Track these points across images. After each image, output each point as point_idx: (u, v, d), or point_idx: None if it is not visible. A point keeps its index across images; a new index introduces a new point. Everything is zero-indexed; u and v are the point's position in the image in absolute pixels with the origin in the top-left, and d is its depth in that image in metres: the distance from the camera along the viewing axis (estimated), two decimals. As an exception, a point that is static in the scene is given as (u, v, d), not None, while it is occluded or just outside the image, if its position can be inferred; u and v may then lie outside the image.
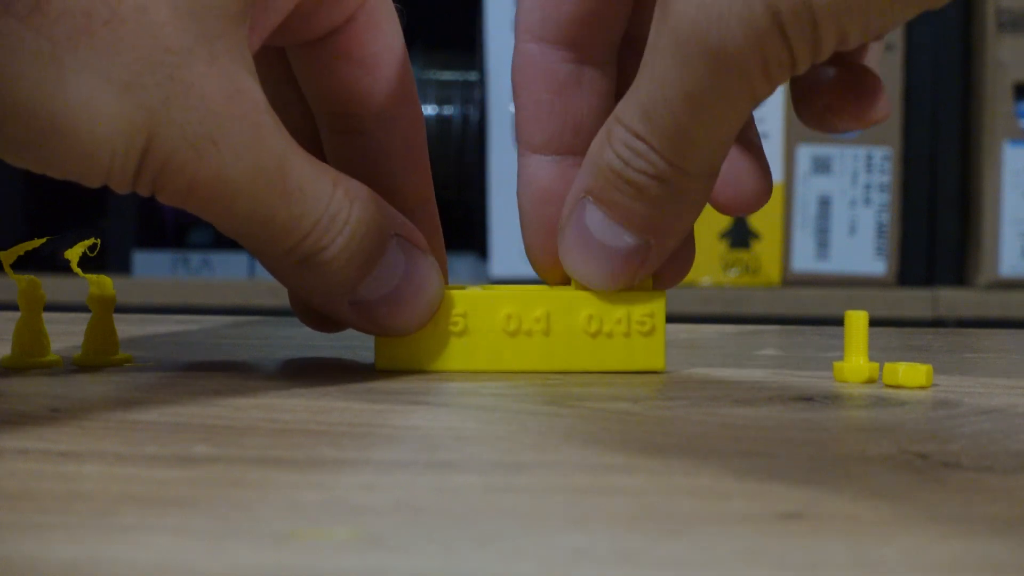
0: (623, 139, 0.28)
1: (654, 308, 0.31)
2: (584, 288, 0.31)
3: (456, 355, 0.31)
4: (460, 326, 0.31)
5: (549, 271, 0.32)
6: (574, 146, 0.31)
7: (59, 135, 0.25)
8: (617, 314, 0.31)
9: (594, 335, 0.31)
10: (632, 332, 0.31)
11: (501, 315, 0.31)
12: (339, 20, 0.32)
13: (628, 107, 0.28)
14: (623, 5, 0.31)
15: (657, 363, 0.31)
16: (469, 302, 0.31)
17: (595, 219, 0.29)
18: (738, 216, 0.33)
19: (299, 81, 0.33)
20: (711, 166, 0.28)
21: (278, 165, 0.27)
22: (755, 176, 0.31)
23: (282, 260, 0.29)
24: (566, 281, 0.32)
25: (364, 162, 0.33)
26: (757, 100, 0.27)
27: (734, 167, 0.31)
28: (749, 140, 0.31)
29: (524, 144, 0.32)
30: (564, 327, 0.31)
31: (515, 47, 0.31)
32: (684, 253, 0.32)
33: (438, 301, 0.31)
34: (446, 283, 0.32)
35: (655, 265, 0.30)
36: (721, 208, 0.31)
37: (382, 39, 0.32)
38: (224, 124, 0.26)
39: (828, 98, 0.30)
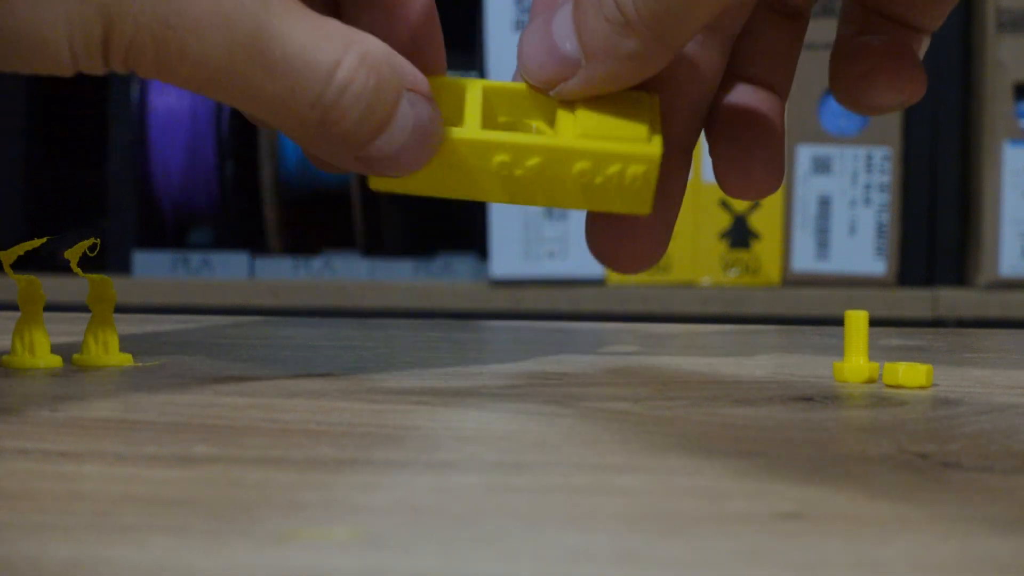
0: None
1: (649, 166, 0.31)
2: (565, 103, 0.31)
3: (448, 185, 0.31)
4: (454, 164, 0.31)
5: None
6: None
7: (15, 40, 0.25)
8: (611, 169, 0.31)
9: (585, 186, 0.31)
10: (625, 185, 0.31)
11: (495, 161, 0.31)
12: None
13: None
14: None
15: (644, 207, 0.31)
16: (464, 147, 0.31)
17: (562, 15, 0.30)
18: (742, 199, 0.32)
19: None
20: (672, 40, 0.28)
21: (251, 37, 0.27)
22: (765, 165, 0.31)
23: (297, 128, 0.29)
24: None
25: (381, 36, 0.33)
26: None
27: (746, 153, 0.31)
28: (771, 129, 0.32)
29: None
30: (556, 176, 0.31)
31: None
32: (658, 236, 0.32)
33: (438, 146, 0.31)
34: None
35: (575, 89, 0.30)
36: (725, 188, 0.32)
37: None
38: (179, 5, 0.26)
39: (870, 63, 0.31)
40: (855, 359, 0.31)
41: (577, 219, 1.04)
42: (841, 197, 1.11)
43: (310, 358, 0.36)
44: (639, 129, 0.31)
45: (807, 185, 1.11)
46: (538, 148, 0.31)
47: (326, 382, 0.30)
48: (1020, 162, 1.09)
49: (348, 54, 0.28)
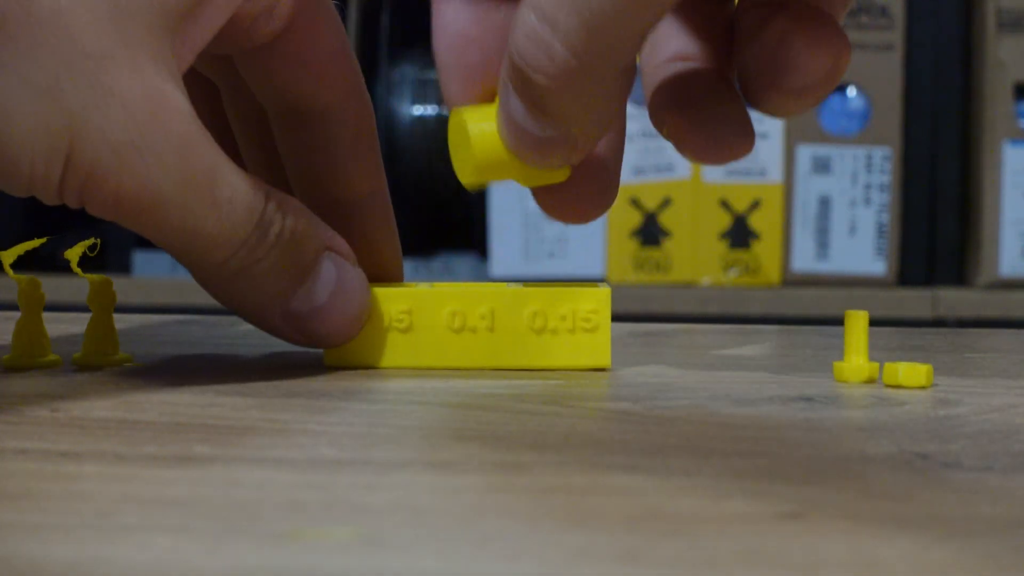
0: (527, 28, 0.25)
1: (599, 304, 0.31)
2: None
3: (402, 352, 0.32)
4: (405, 323, 0.32)
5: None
6: None
7: None
8: (562, 310, 0.31)
9: (539, 332, 0.32)
10: (576, 328, 0.31)
11: (445, 312, 0.32)
12: (277, 28, 0.32)
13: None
14: None
15: (602, 360, 0.32)
16: (413, 299, 0.32)
17: (515, 105, 0.28)
18: (716, 165, 0.31)
19: (248, 84, 0.33)
20: (622, 61, 0.26)
21: (206, 175, 0.27)
22: (735, 125, 0.29)
23: (214, 272, 0.29)
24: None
25: (314, 155, 0.33)
26: None
27: (713, 114, 0.29)
28: (733, 91, 0.30)
29: None
30: (508, 324, 0.32)
31: None
32: (605, 187, 0.30)
33: (367, 312, 0.31)
34: (401, 278, 0.33)
35: (583, 150, 0.28)
36: (697, 157, 0.30)
37: (323, 39, 0.32)
38: (147, 132, 0.26)
39: (779, 28, 0.28)
40: (855, 359, 0.31)
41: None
42: (841, 197, 1.11)
43: (310, 358, 0.36)
44: None
45: (807, 185, 1.11)
46: (487, 294, 0.32)
47: (326, 382, 0.30)
48: (1020, 162, 1.09)
49: (270, 199, 0.29)
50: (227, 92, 0.35)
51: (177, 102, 0.27)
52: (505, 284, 0.32)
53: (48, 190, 0.26)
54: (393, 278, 0.35)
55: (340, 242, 0.31)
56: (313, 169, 0.33)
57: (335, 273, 0.30)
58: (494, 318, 0.31)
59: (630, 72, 0.27)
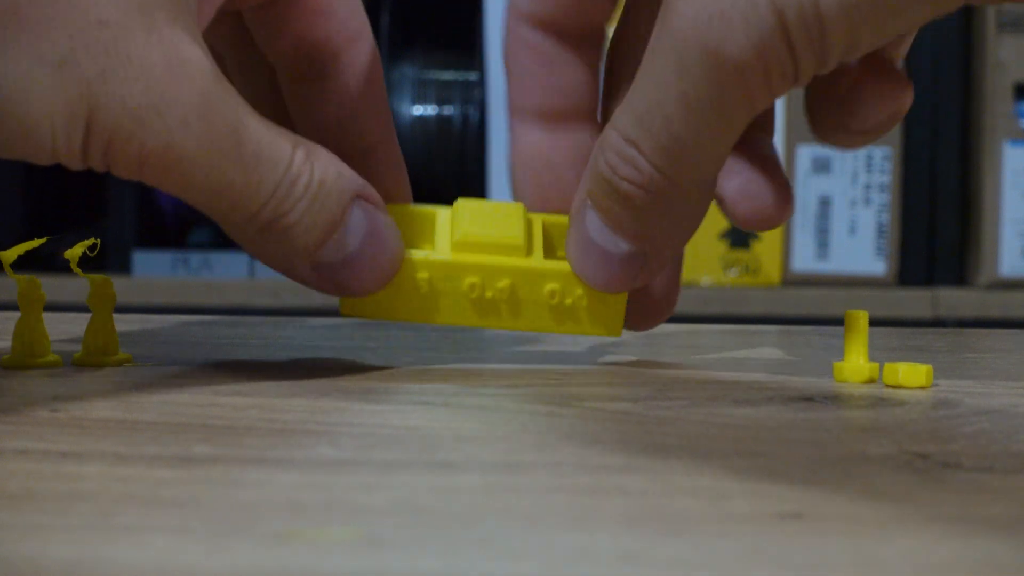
0: (614, 145, 0.28)
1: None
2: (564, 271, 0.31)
3: (419, 310, 0.31)
4: (424, 289, 0.31)
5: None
6: (563, 113, 0.32)
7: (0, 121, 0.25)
8: (580, 290, 0.31)
9: (556, 307, 0.32)
10: (594, 307, 0.32)
11: (465, 283, 0.31)
12: None
13: (623, 112, 0.28)
14: None
15: (614, 330, 0.32)
16: (435, 269, 0.31)
17: (594, 224, 0.29)
18: (759, 231, 0.32)
19: (256, 39, 0.33)
20: (704, 177, 0.28)
21: (231, 131, 0.27)
22: (774, 190, 0.30)
23: (244, 227, 0.29)
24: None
25: (326, 106, 0.33)
26: (755, 110, 0.26)
27: (752, 180, 0.30)
28: (765, 154, 0.31)
29: (515, 111, 0.32)
30: (527, 298, 0.32)
31: (505, 27, 0.32)
32: (664, 299, 0.33)
33: (399, 261, 0.31)
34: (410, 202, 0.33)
35: (654, 272, 0.30)
36: (740, 222, 0.31)
37: None
38: (168, 93, 0.26)
39: (848, 81, 0.29)
40: (855, 359, 0.31)
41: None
42: (841, 197, 1.11)
43: (310, 358, 0.36)
44: None
45: (807, 185, 1.11)
46: (508, 270, 0.31)
47: (326, 382, 0.30)
48: (1020, 162, 1.09)
49: (297, 150, 0.29)
50: (232, 58, 0.34)
51: (197, 60, 0.27)
52: (525, 256, 0.32)
53: (72, 157, 0.26)
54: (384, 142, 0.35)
55: (370, 190, 0.30)
56: (326, 120, 0.33)
57: (365, 222, 0.30)
58: (513, 291, 0.31)
59: (710, 189, 0.29)
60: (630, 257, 0.29)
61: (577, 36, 0.32)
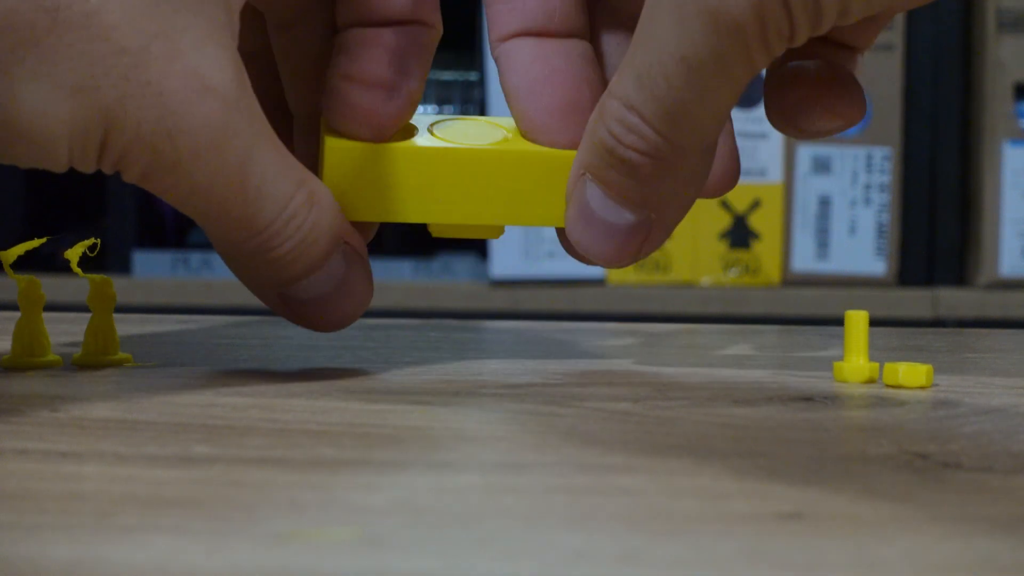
0: (615, 113, 0.27)
1: None
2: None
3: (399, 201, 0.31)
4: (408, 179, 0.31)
5: (558, 141, 0.31)
6: (550, 32, 0.31)
7: (16, 137, 0.26)
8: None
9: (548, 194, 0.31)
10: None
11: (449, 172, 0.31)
12: None
13: (622, 78, 0.27)
14: None
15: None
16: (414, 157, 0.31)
17: (595, 196, 0.29)
18: (706, 198, 0.32)
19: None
20: (705, 139, 0.28)
21: (239, 164, 0.28)
22: (722, 159, 0.31)
23: (230, 247, 0.29)
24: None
25: (373, 58, 0.33)
26: (754, 69, 0.26)
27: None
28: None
29: (498, 35, 0.32)
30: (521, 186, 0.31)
31: None
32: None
33: (365, 308, 0.31)
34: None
35: (660, 240, 0.30)
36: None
37: None
38: (183, 122, 0.27)
39: (806, 90, 0.30)
40: (855, 359, 0.31)
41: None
42: (841, 197, 1.11)
43: (310, 358, 0.36)
44: None
45: (807, 185, 1.11)
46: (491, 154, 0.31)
47: (326, 382, 0.30)
48: (1020, 162, 1.09)
49: (300, 189, 0.29)
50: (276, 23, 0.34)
51: (218, 84, 0.27)
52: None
53: (85, 167, 0.27)
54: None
55: (356, 237, 0.31)
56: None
57: (343, 269, 0.30)
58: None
59: (711, 153, 0.28)
60: (635, 227, 0.29)
61: None
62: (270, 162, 0.28)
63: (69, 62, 0.26)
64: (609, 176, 0.28)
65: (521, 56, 0.31)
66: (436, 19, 0.32)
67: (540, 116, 0.31)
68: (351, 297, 0.31)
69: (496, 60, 0.32)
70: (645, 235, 0.29)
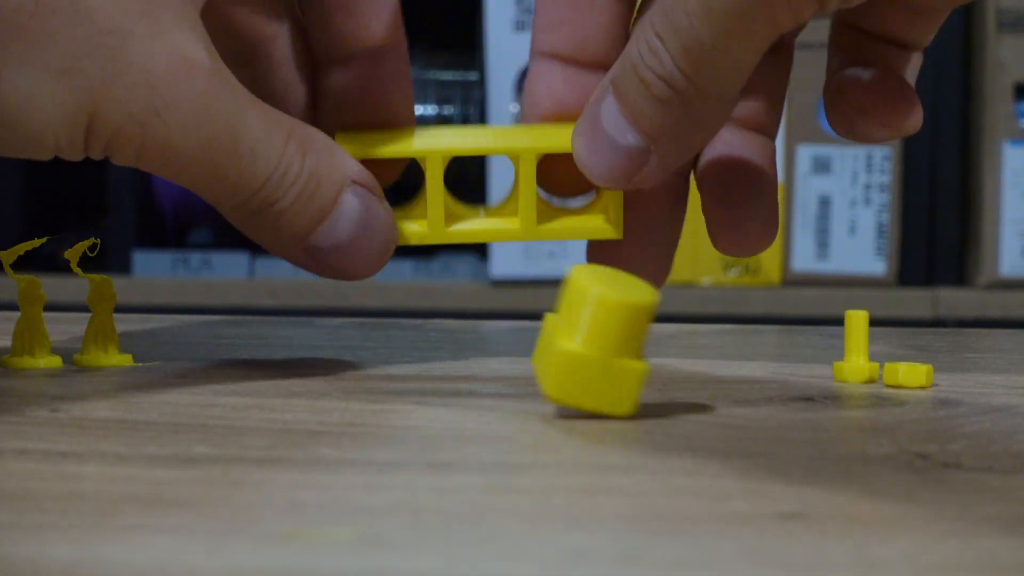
0: (644, 35, 0.28)
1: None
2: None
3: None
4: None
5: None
6: (586, 62, 0.32)
7: (2, 124, 0.26)
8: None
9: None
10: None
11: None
12: None
13: (655, 5, 0.28)
14: None
15: (614, 231, 0.32)
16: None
17: (609, 110, 0.29)
18: (735, 256, 0.33)
19: (305, 19, 0.33)
20: (723, 90, 0.28)
21: (228, 130, 0.28)
22: (760, 224, 0.31)
23: (238, 211, 0.29)
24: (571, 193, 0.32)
25: (356, 91, 0.33)
26: (778, 28, 0.26)
27: (738, 211, 0.31)
28: (764, 181, 0.32)
29: (537, 52, 0.32)
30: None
31: None
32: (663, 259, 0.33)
33: (392, 247, 0.31)
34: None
35: (654, 174, 0.29)
36: (720, 248, 0.32)
37: None
38: (169, 96, 0.27)
39: (860, 100, 0.30)
40: (855, 359, 0.31)
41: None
42: (841, 197, 1.11)
43: (310, 358, 0.36)
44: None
45: (807, 185, 1.11)
46: (503, 234, 0.32)
47: (326, 382, 0.30)
48: (1020, 162, 1.09)
49: (291, 140, 0.29)
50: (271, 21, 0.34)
51: (200, 60, 0.27)
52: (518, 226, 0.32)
53: (74, 154, 0.27)
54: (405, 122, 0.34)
55: (367, 176, 0.31)
56: (354, 104, 0.33)
57: (359, 208, 0.30)
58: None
59: (729, 105, 0.29)
60: (635, 151, 0.29)
61: None
62: (257, 121, 0.29)
63: (54, 46, 0.26)
64: (627, 93, 0.28)
65: (546, 82, 0.32)
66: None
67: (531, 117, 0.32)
68: (372, 237, 0.31)
69: (529, 71, 0.33)
70: (642, 162, 0.29)
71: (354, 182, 0.30)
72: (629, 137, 0.29)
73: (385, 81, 0.33)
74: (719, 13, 0.26)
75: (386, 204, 0.31)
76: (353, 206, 0.30)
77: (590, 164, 0.30)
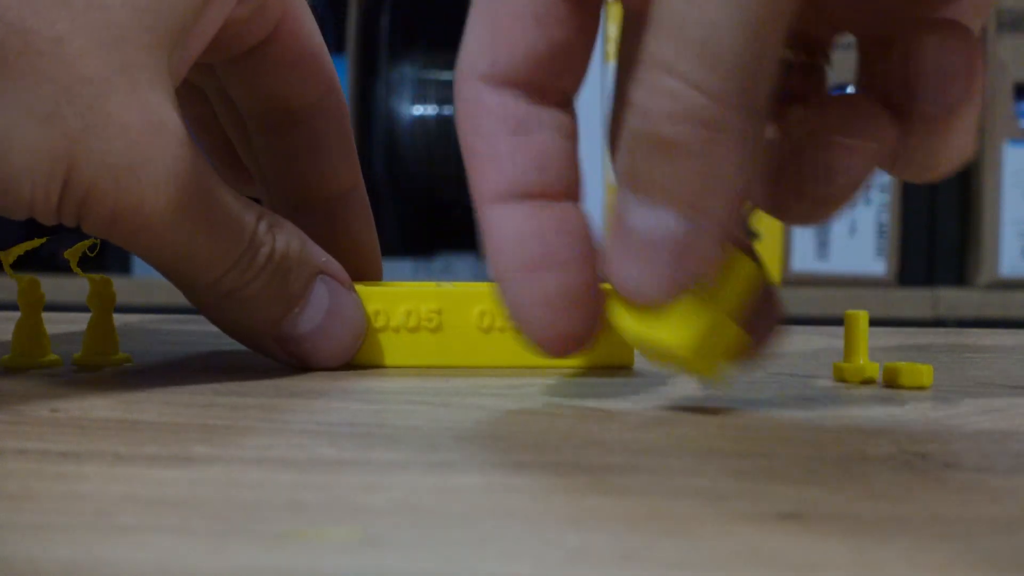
0: (646, 83, 0.22)
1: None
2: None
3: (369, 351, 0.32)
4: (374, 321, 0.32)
5: (550, 337, 0.26)
6: (541, 188, 0.26)
7: None
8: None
9: (486, 331, 0.32)
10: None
11: (400, 311, 0.32)
12: (266, 32, 0.32)
13: (656, 45, 0.22)
14: (588, 40, 0.26)
15: (626, 358, 0.32)
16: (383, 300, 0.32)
17: (635, 212, 0.23)
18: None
19: (229, 90, 0.34)
20: (753, 96, 0.22)
21: (201, 198, 0.28)
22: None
23: (206, 294, 0.29)
24: (569, 350, 0.26)
25: (299, 155, 0.34)
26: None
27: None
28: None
29: (486, 196, 0.26)
30: (457, 323, 0.32)
31: (460, 92, 0.26)
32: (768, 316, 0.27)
33: (362, 337, 0.32)
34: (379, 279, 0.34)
35: (708, 254, 0.23)
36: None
37: (305, 39, 0.33)
38: (144, 154, 0.27)
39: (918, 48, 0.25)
40: (855, 359, 0.31)
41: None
42: (841, 197, 1.11)
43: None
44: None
45: (807, 185, 1.10)
46: (436, 294, 0.32)
47: (326, 382, 0.30)
48: (1020, 162, 1.09)
49: (261, 220, 0.29)
50: (212, 98, 0.35)
51: (173, 125, 0.27)
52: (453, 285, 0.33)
53: (47, 211, 0.27)
54: (374, 273, 0.35)
55: (335, 266, 0.31)
56: (296, 168, 0.34)
57: (328, 298, 0.31)
58: (442, 317, 0.32)
59: (760, 121, 0.23)
60: (680, 240, 0.23)
61: (549, 98, 0.26)
62: (228, 195, 0.29)
63: (39, 88, 0.25)
64: (643, 169, 0.23)
65: (509, 226, 0.26)
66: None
67: (519, 289, 0.26)
68: (343, 326, 0.31)
69: (481, 222, 0.26)
70: (692, 247, 0.23)
71: (322, 272, 0.31)
72: (668, 224, 0.23)
73: (350, 220, 0.34)
74: (753, 15, 0.21)
75: (355, 295, 0.31)
76: (322, 296, 0.30)
77: (638, 282, 0.24)
